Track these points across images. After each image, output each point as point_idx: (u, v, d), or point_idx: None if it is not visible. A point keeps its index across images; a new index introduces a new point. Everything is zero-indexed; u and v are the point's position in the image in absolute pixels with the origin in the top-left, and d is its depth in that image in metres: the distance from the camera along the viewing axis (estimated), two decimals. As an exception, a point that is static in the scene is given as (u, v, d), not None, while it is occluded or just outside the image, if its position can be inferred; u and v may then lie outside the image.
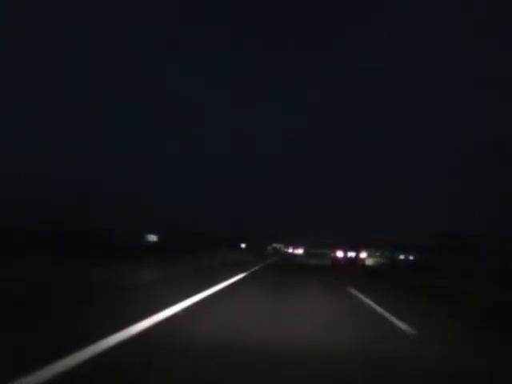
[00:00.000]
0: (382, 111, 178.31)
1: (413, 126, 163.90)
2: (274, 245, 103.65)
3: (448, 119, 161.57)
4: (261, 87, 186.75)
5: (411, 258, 44.27)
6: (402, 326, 5.87)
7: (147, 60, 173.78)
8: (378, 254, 40.70)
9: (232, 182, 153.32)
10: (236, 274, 14.20)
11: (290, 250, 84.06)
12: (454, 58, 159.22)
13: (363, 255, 38.93)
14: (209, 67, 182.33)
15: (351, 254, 39.20)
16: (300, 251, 65.42)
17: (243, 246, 77.78)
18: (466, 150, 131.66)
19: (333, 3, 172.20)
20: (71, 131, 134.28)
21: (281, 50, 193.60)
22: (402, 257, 45.68)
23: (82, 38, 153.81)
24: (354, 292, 10.48)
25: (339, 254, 39.65)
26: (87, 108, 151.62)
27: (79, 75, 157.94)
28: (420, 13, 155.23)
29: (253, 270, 18.74)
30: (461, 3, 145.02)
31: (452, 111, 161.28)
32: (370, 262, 39.56)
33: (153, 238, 52.92)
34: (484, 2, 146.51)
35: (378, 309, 7.58)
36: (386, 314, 6.90)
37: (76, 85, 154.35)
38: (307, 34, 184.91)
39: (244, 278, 13.56)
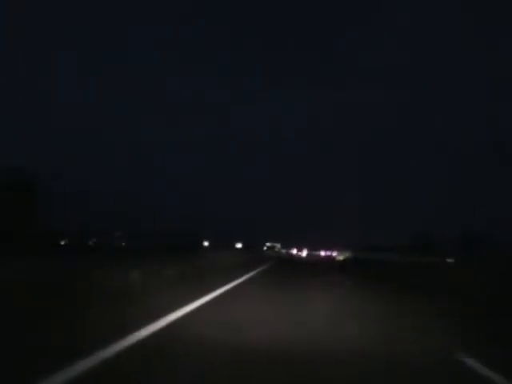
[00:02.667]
0: (382, 111, 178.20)
1: (413, 126, 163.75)
2: (270, 244, 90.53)
3: (448, 119, 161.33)
4: (261, 87, 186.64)
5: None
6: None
7: (147, 60, 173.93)
8: (344, 252, 65.86)
9: (232, 182, 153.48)
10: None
11: (295, 252, 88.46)
12: (454, 57, 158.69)
13: (334, 254, 71.42)
14: (209, 67, 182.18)
15: (328, 253, 77.48)
16: (305, 253, 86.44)
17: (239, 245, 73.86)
18: (466, 150, 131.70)
19: (333, 3, 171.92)
20: (71, 131, 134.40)
21: (281, 50, 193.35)
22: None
23: (82, 38, 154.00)
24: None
25: (322, 253, 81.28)
26: (87, 108, 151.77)
27: (79, 75, 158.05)
28: (420, 13, 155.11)
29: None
30: (461, 3, 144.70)
31: (452, 111, 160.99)
32: (340, 257, 62.01)
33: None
34: (484, 2, 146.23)
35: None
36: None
37: (76, 85, 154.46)
38: (307, 34, 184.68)
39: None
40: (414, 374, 3.80)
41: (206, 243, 65.48)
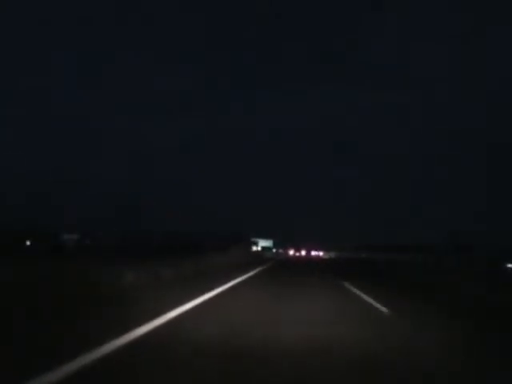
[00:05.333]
0: (382, 111, 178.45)
1: (412, 126, 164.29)
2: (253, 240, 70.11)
3: (448, 119, 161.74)
4: (261, 87, 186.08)
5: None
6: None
7: (147, 60, 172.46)
8: (329, 253, 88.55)
9: (231, 182, 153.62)
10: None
11: (292, 252, 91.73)
12: (453, 58, 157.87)
13: (321, 253, 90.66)
14: (209, 67, 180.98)
15: (316, 253, 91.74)
16: (303, 253, 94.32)
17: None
18: (466, 150, 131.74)
19: (333, 3, 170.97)
20: (71, 131, 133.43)
21: (281, 50, 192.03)
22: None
23: (83, 38, 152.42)
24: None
25: (312, 253, 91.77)
26: (88, 108, 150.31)
27: (80, 75, 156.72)
28: (420, 12, 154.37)
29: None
30: (461, 3, 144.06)
31: (452, 111, 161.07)
32: (326, 256, 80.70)
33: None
34: (484, 2, 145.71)
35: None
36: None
37: (76, 85, 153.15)
38: (307, 34, 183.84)
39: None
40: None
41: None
